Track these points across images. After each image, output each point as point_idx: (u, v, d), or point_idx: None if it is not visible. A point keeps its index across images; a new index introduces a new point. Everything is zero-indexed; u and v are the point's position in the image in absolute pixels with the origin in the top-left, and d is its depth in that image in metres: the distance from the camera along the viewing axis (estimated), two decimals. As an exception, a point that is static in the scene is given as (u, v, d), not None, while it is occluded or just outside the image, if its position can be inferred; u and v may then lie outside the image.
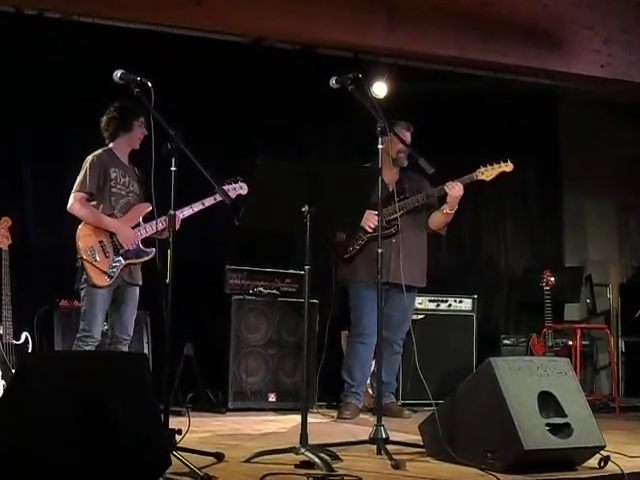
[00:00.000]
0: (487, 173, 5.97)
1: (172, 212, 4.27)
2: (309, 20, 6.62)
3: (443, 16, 6.88)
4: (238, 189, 5.51)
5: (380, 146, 4.68)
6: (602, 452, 4.07)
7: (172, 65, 6.76)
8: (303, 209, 4.25)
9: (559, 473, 3.90)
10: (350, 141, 7.63)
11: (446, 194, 6.09)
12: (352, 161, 6.26)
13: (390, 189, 5.91)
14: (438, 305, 7.25)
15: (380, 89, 6.79)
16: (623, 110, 8.53)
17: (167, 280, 4.14)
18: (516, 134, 8.23)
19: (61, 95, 6.14)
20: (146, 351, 6.30)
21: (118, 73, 4.38)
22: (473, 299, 7.37)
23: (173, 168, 4.24)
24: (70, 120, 5.70)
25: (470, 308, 7.34)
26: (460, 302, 7.32)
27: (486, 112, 8.11)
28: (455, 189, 5.96)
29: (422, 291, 6.77)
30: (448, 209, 6.08)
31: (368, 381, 6.59)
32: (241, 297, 6.60)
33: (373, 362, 6.40)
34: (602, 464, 4.03)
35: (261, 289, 6.69)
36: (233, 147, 7.11)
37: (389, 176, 6.12)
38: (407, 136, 5.98)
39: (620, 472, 3.92)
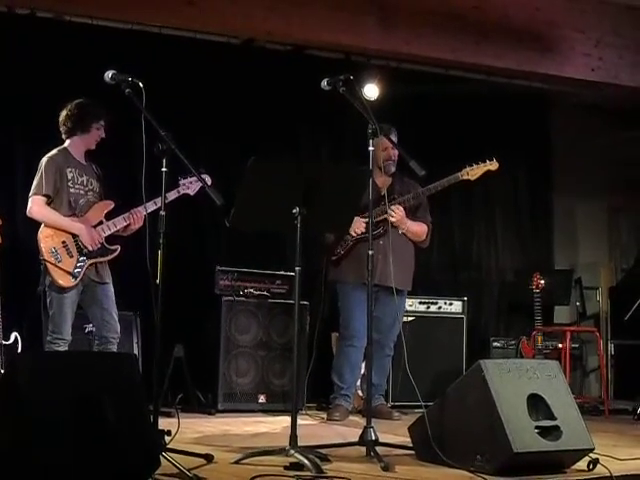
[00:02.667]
0: (472, 172, 5.96)
1: (162, 213, 4.25)
2: (301, 21, 6.61)
3: (436, 19, 6.89)
4: (196, 183, 5.41)
5: (371, 148, 4.68)
6: (591, 455, 4.07)
7: (163, 65, 6.77)
8: (294, 211, 4.26)
9: (548, 476, 3.91)
10: (342, 142, 7.64)
11: (433, 194, 6.12)
12: (344, 163, 6.25)
13: (382, 193, 5.90)
14: (428, 307, 7.25)
15: (372, 91, 6.78)
16: (613, 113, 8.56)
17: (157, 281, 4.13)
18: (507, 137, 8.25)
19: (53, 95, 6.12)
20: (136, 352, 6.28)
21: (109, 73, 4.37)
22: (463, 301, 7.38)
23: (164, 169, 4.23)
24: (59, 119, 5.70)
25: (460, 310, 7.36)
26: (450, 304, 7.33)
27: (478, 115, 8.12)
28: (393, 215, 6.01)
29: (412, 293, 6.77)
30: (400, 229, 6.14)
31: (358, 383, 6.59)
32: (231, 298, 6.59)
33: (363, 364, 6.41)
34: (591, 467, 4.03)
35: (251, 290, 6.69)
36: (224, 148, 7.11)
37: (381, 180, 6.13)
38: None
39: (609, 475, 3.93)
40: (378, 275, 5.93)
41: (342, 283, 6.31)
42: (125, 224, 5.40)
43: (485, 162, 5.96)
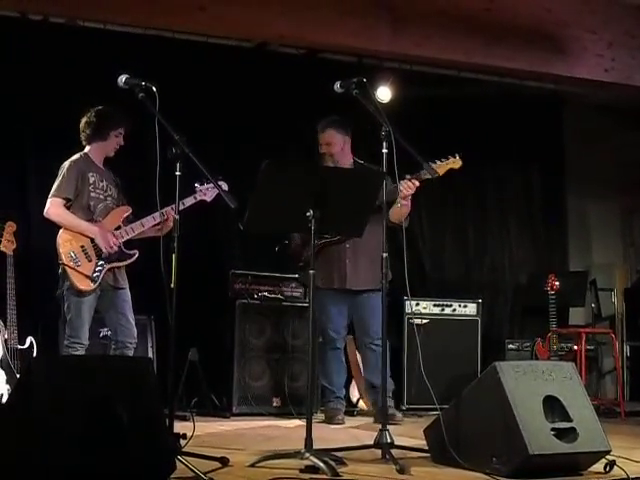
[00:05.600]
0: (437, 169, 5.71)
1: (176, 217, 4.26)
2: (313, 24, 6.62)
3: (447, 21, 6.88)
4: (213, 189, 5.41)
5: (384, 150, 4.66)
6: (608, 457, 4.05)
7: (176, 70, 6.78)
8: (308, 214, 4.26)
9: (564, 478, 3.90)
10: (355, 145, 7.62)
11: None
12: (358, 164, 6.23)
13: None
14: (443, 309, 7.23)
15: (384, 94, 6.80)
16: (627, 114, 8.53)
17: (172, 285, 4.14)
18: (520, 138, 8.24)
19: (66, 100, 6.15)
20: (150, 356, 6.29)
21: (123, 78, 4.39)
22: (478, 303, 7.36)
23: (178, 173, 4.24)
24: (75, 125, 5.72)
25: (475, 312, 7.33)
26: (465, 306, 7.31)
27: (490, 116, 8.11)
28: (408, 189, 5.62)
29: (426, 295, 6.74)
30: (403, 202, 5.67)
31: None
32: (245, 302, 6.60)
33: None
34: (608, 469, 4.02)
35: (265, 294, 6.69)
36: (237, 151, 7.11)
37: None
38: (321, 137, 6.04)
39: (626, 477, 3.92)
40: (348, 279, 5.96)
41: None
42: (143, 229, 5.41)
43: (449, 159, 5.59)
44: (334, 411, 6.22)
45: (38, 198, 6.05)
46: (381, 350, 6.12)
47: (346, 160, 6.16)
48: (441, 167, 5.60)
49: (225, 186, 5.08)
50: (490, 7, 6.96)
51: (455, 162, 5.64)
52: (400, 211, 5.91)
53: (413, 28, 6.87)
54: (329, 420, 6.19)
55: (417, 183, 5.70)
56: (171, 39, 6.83)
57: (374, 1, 6.79)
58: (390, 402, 6.33)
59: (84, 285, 5.23)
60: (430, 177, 5.60)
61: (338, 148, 6.10)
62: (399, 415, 6.22)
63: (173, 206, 4.81)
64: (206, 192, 5.45)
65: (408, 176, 5.64)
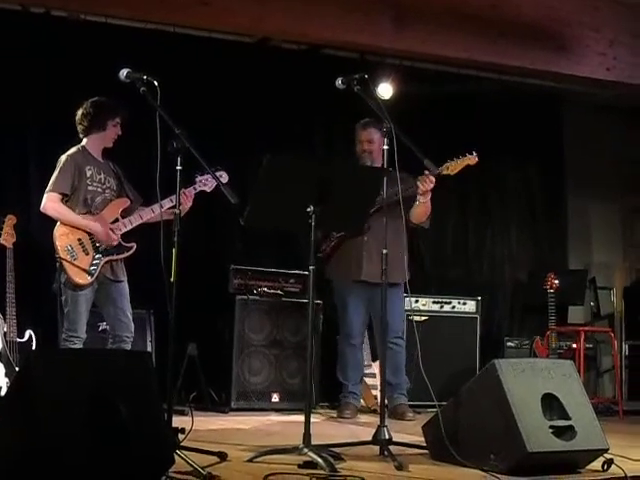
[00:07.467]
0: (452, 167, 5.65)
1: (178, 211, 4.25)
2: (315, 20, 6.61)
3: (450, 18, 6.88)
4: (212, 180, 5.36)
5: (385, 147, 4.65)
6: (605, 455, 4.06)
7: (178, 64, 6.78)
8: (308, 209, 4.26)
9: (562, 476, 3.89)
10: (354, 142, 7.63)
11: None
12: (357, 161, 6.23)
13: None
14: (442, 307, 7.23)
15: (386, 90, 6.80)
16: (628, 113, 8.53)
17: (171, 279, 4.13)
18: (520, 136, 8.24)
19: (67, 94, 6.15)
20: (149, 350, 6.29)
21: (124, 72, 4.39)
22: (477, 301, 7.36)
23: (178, 167, 4.24)
24: (75, 118, 5.73)
25: (474, 310, 7.33)
26: (464, 304, 7.31)
27: (491, 114, 8.11)
28: (425, 185, 5.69)
29: (426, 292, 6.75)
30: (422, 199, 5.85)
31: (374, 382, 6.57)
32: (245, 297, 6.59)
33: (375, 364, 6.43)
34: (605, 467, 4.02)
35: (265, 289, 6.69)
36: (239, 147, 7.11)
37: None
38: (363, 135, 6.07)
39: (623, 475, 3.92)
40: (364, 271, 5.97)
41: (333, 281, 6.36)
42: (141, 221, 5.41)
43: (465, 156, 5.64)
44: (345, 405, 6.27)
45: (39, 192, 6.05)
46: (399, 349, 6.27)
47: (379, 161, 6.16)
48: (456, 165, 5.63)
49: (225, 178, 5.09)
50: (493, 4, 6.95)
51: (471, 159, 5.65)
52: (419, 210, 5.96)
53: (416, 25, 6.86)
54: (339, 413, 6.25)
55: (433, 179, 5.72)
56: (173, 33, 6.84)
57: (377, -3, 6.79)
58: (404, 400, 6.35)
59: (80, 279, 5.22)
60: (449, 173, 5.66)
61: (377, 147, 6.09)
62: (410, 414, 6.22)
63: (173, 197, 4.83)
64: (206, 182, 5.45)
65: (426, 172, 5.67)
